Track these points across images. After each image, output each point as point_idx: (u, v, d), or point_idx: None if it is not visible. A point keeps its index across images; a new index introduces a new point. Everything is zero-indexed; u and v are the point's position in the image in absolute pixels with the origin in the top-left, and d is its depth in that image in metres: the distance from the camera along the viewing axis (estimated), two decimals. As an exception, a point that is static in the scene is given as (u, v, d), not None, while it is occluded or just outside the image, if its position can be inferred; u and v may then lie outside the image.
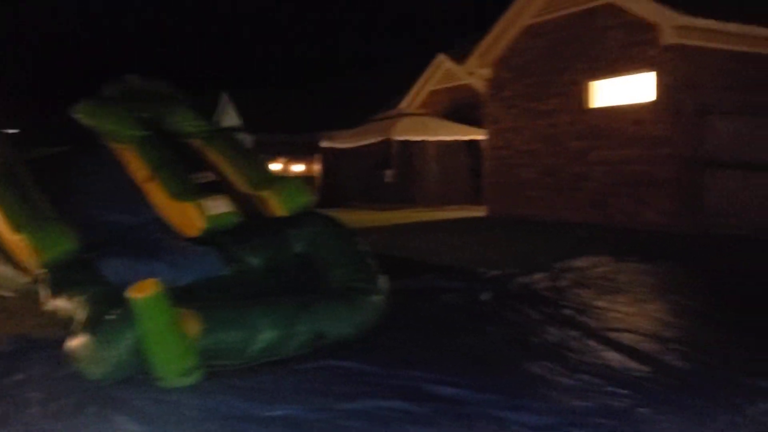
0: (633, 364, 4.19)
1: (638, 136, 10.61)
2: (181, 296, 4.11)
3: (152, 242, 5.45)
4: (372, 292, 4.91)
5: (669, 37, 9.99)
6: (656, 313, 5.53)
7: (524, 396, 3.67)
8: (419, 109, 20.86)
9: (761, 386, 3.83)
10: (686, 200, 9.93)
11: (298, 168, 24.18)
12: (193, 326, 3.80)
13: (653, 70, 10.34)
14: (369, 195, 19.00)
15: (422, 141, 18.43)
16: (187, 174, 6.02)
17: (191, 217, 5.62)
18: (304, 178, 22.72)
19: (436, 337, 4.78)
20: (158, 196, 5.76)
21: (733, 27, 10.08)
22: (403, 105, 21.75)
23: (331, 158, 20.92)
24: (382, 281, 5.10)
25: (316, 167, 22.62)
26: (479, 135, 15.78)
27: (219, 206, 5.79)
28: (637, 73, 10.68)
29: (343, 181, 20.59)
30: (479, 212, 14.25)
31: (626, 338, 4.73)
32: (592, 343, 4.64)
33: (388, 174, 18.01)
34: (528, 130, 12.72)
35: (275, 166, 24.19)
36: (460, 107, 18.84)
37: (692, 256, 8.12)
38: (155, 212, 5.73)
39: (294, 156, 24.38)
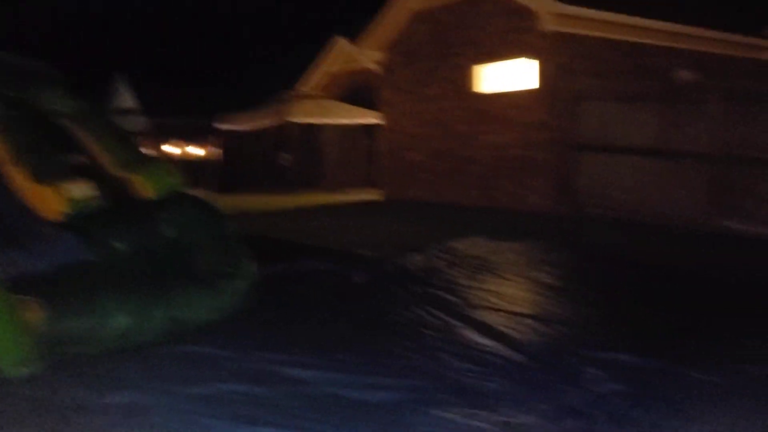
0: (488, 341, 4.36)
1: (520, 121, 10.98)
2: (30, 283, 3.95)
3: (7, 228, 5.20)
4: (237, 277, 4.87)
5: (547, 25, 10.36)
6: (519, 291, 5.78)
7: (377, 374, 3.75)
8: (318, 92, 20.76)
9: (602, 358, 4.08)
10: (562, 183, 10.39)
11: (196, 151, 23.57)
12: (34, 314, 3.66)
13: (534, 57, 10.71)
14: (268, 179, 18.76)
15: (321, 124, 18.34)
16: (54, 156, 5.77)
17: (52, 200, 5.40)
18: (204, 162, 22.22)
19: (301, 320, 4.81)
20: (19, 179, 5.49)
21: (606, 15, 10.57)
22: (302, 87, 21.57)
23: (230, 141, 20.49)
24: (249, 265, 5.07)
25: (214, 150, 22.11)
26: (378, 119, 15.88)
27: (82, 190, 5.58)
28: (518, 58, 11.03)
29: (242, 165, 20.23)
30: (377, 196, 14.37)
31: (485, 316, 4.92)
32: (452, 321, 4.80)
33: (285, 157, 17.85)
34: (418, 114, 12.91)
35: (173, 150, 23.50)
36: (360, 90, 18.86)
37: (563, 236, 8.51)
38: (15, 196, 5.46)
39: (193, 139, 23.75)
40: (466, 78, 11.94)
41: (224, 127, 20.51)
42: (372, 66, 14.27)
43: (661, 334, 4.61)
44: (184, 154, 23.71)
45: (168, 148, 23.55)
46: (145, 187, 5.72)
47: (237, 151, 20.42)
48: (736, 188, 8.44)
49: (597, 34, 10.83)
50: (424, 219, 10.62)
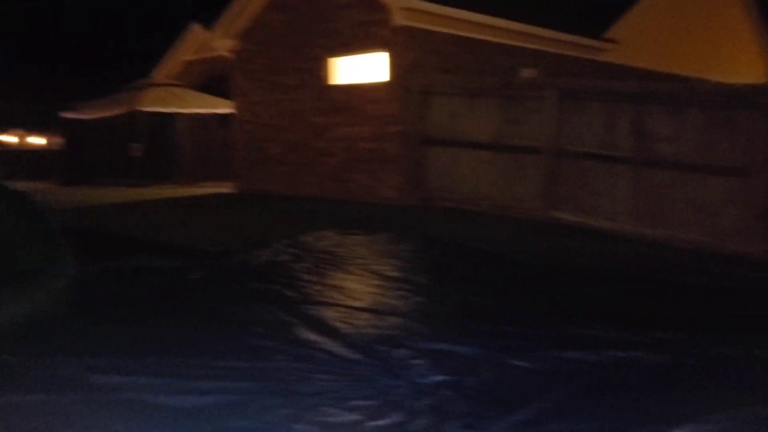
0: (320, 338, 4.29)
1: (373, 113, 11.05)
2: None
3: None
4: (51, 275, 4.49)
5: (398, 19, 10.47)
6: (360, 285, 5.77)
7: (197, 378, 3.56)
8: (173, 80, 19.91)
9: (432, 349, 4.13)
10: (411, 176, 10.57)
11: (37, 141, 21.90)
12: None
13: (385, 50, 10.79)
14: (117, 171, 17.73)
15: (173, 114, 17.57)
16: None
17: None
18: (50, 153, 20.67)
19: (123, 321, 4.51)
20: None
21: (453, 12, 10.85)
22: (157, 75, 20.60)
23: (76, 131, 19.16)
24: (68, 263, 4.69)
25: (58, 140, 20.62)
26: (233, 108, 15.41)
27: None
28: (372, 52, 11.08)
29: (90, 156, 18.98)
30: (232, 189, 13.94)
31: (322, 312, 4.85)
32: (287, 318, 4.69)
33: (135, 148, 16.95)
34: (274, 105, 12.66)
35: (10, 139, 21.69)
36: (217, 79, 18.24)
37: (410, 228, 8.63)
38: None
39: (36, 128, 22.02)
40: (321, 69, 11.83)
41: (70, 115, 19.18)
42: (226, 54, 13.80)
43: (494, 322, 4.74)
44: (23, 144, 21.97)
45: (4, 138, 21.73)
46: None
47: (85, 142, 19.14)
48: (568, 181, 8.93)
49: (445, 30, 11.09)
50: (277, 212, 10.43)
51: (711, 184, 7.69)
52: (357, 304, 5.09)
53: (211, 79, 18.86)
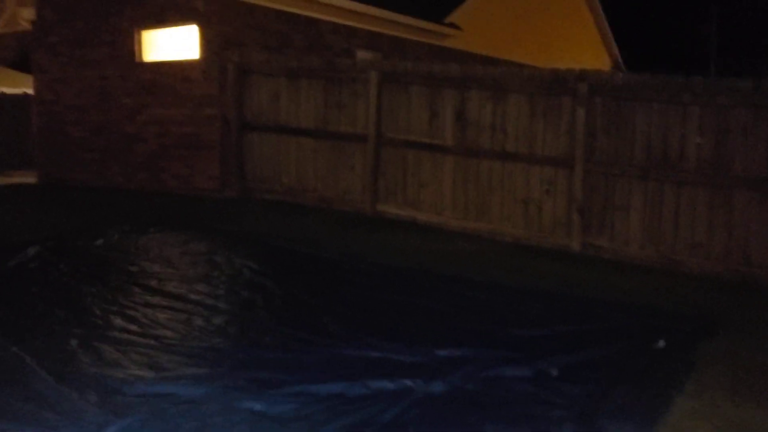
0: None
1: (187, 95, 9.85)
2: None
3: None
4: None
5: (212, -11, 9.35)
6: (106, 303, 4.69)
7: None
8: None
9: (146, 392, 3.19)
10: (230, 165, 9.51)
11: None
12: None
13: (198, 24, 9.62)
14: None
15: (22, 95, 15.34)
16: None
17: None
18: None
19: None
20: None
21: (276, -15, 9.89)
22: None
23: None
24: None
25: None
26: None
27: None
28: (184, 25, 9.87)
29: None
30: (33, 179, 12.19)
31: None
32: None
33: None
34: (78, 82, 11.09)
35: None
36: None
37: (212, 224, 7.60)
38: None
39: None
40: (130, 43, 10.43)
41: None
42: (25, 25, 12.01)
43: (254, 347, 3.87)
44: None
45: None
46: None
47: None
48: (394, 172, 8.25)
49: (269, 4, 10.07)
50: (68, 207, 9.01)
51: (534, 176, 7.25)
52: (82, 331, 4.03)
53: (25, 55, 16.70)
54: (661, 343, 4.04)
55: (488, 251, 6.88)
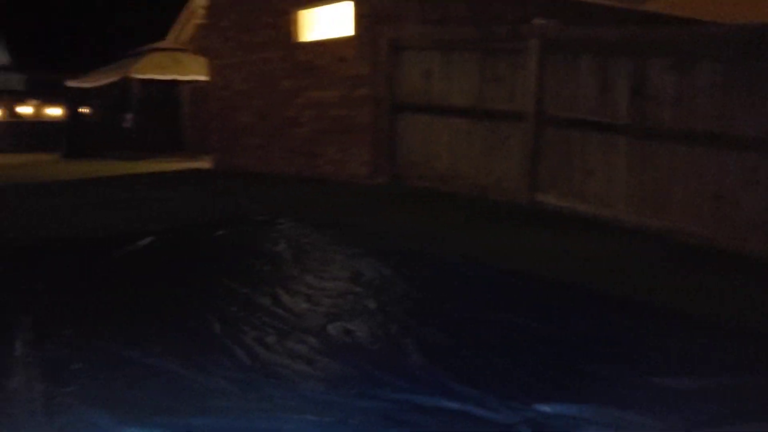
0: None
1: (341, 75, 9.36)
2: None
3: None
4: None
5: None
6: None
7: None
8: (186, 46, 18.64)
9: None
10: (381, 149, 8.85)
11: (54, 111, 21.16)
12: None
13: (351, -1, 9.07)
14: (113, 143, 16.72)
15: (171, 81, 16.35)
16: None
17: None
18: (60, 124, 19.92)
19: None
20: None
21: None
22: (169, 40, 19.37)
23: (78, 101, 18.27)
24: None
25: (65, 111, 19.85)
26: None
27: None
28: (338, 1, 9.35)
29: (89, 127, 18.09)
30: (208, 164, 12.58)
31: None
32: None
33: (128, 118, 15.82)
34: (244, 67, 11.13)
35: (25, 110, 21.08)
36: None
37: (356, 219, 6.96)
38: None
39: (51, 99, 21.30)
40: (288, 23, 10.19)
41: (73, 84, 18.27)
42: (201, 11, 12.34)
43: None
44: (40, 115, 21.34)
45: (20, 109, 21.16)
46: None
47: (85, 112, 18.26)
48: (555, 156, 7.04)
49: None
50: (226, 194, 8.94)
51: (729, 162, 5.69)
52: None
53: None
54: None
55: (662, 256, 5.48)
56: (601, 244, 5.85)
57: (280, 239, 5.71)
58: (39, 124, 21.29)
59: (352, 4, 9.03)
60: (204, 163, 12.83)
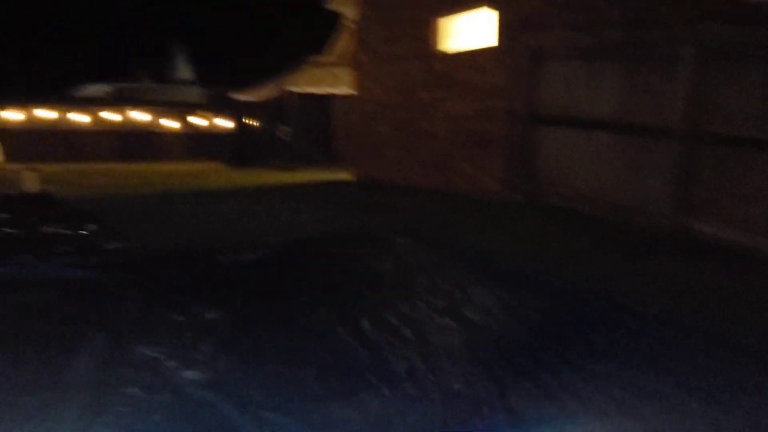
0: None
1: (477, 86, 8.88)
2: None
3: None
4: None
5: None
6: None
7: None
8: (340, 59, 19.06)
9: None
10: (516, 164, 8.24)
11: (224, 123, 22.48)
12: None
13: (493, 6, 8.54)
14: (271, 153, 17.41)
15: (325, 94, 16.71)
16: None
17: None
18: (226, 135, 21.18)
19: None
20: None
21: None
22: (325, 54, 19.88)
23: (241, 112, 19.25)
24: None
25: (230, 123, 21.00)
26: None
27: None
28: (480, 8, 8.89)
29: (251, 138, 19.01)
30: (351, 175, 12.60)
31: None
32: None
33: (284, 130, 16.34)
34: (386, 78, 10.97)
35: (200, 121, 22.58)
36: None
37: (485, 242, 6.47)
38: None
39: (222, 111, 22.66)
40: (429, 34, 9.89)
41: (238, 97, 19.30)
42: (350, 25, 12.41)
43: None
44: (211, 125, 22.77)
45: (192, 119, 22.70)
46: None
47: (247, 124, 19.19)
48: (711, 177, 6.08)
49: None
50: (355, 207, 8.78)
51: None
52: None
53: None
54: None
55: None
56: (759, 288, 4.89)
57: (389, 259, 5.37)
58: (209, 135, 22.78)
59: (495, 12, 8.53)
60: (347, 175, 12.88)
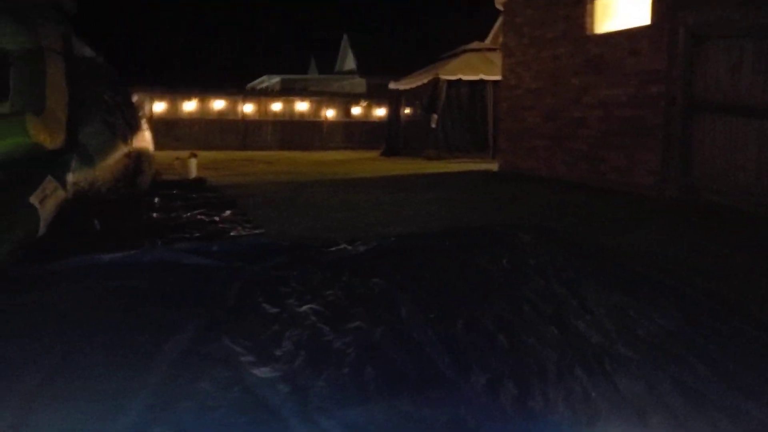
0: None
1: (632, 70, 8.11)
2: None
3: None
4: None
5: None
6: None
7: None
8: (497, 45, 18.54)
9: None
10: (672, 156, 7.42)
11: (382, 112, 22.79)
12: None
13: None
14: (422, 142, 17.35)
15: (479, 81, 16.31)
16: None
17: None
18: (383, 124, 21.46)
19: None
20: None
21: None
22: (488, 39, 19.42)
23: (396, 102, 19.36)
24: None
25: (385, 113, 21.21)
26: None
27: None
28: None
29: (403, 127, 19.07)
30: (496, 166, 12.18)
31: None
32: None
33: (434, 118, 16.19)
34: (535, 64, 10.40)
35: (359, 111, 23.04)
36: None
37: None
38: None
39: (379, 100, 22.99)
40: (583, 14, 9.21)
41: (393, 86, 19.43)
42: (499, 7, 11.93)
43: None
44: (368, 115, 23.18)
45: (352, 109, 23.23)
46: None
47: (401, 113, 19.25)
48: None
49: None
50: (491, 199, 8.44)
51: None
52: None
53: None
54: None
55: None
56: None
57: (504, 257, 5.02)
58: (367, 124, 23.20)
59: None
60: (495, 165, 12.49)
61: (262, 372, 2.91)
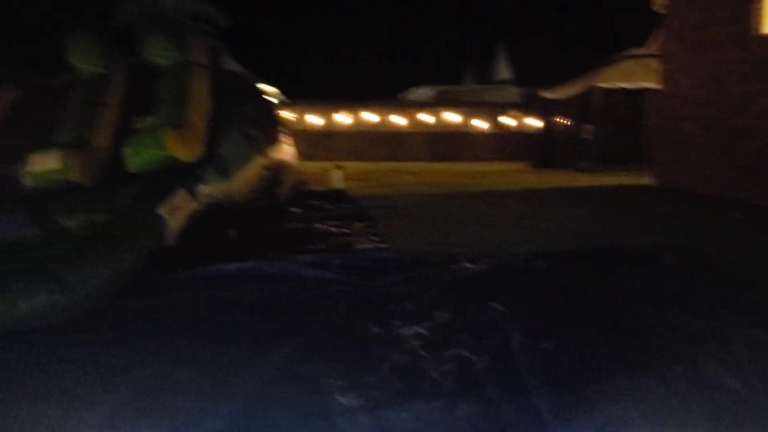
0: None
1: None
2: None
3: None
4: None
5: None
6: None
7: None
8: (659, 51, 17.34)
9: None
10: None
11: (533, 122, 22.14)
12: None
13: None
14: (575, 153, 16.60)
15: (638, 89, 15.33)
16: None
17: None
18: (534, 135, 20.80)
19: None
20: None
21: None
22: (651, 43, 18.21)
23: (547, 111, 18.71)
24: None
25: (537, 123, 20.52)
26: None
27: (43, 162, 5.42)
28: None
29: (556, 137, 18.38)
30: (649, 180, 11.32)
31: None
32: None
33: (587, 129, 15.41)
34: (695, 70, 9.51)
35: (510, 121, 22.48)
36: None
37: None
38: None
39: (532, 110, 22.38)
40: (751, 14, 8.30)
41: (545, 95, 18.80)
42: (660, 10, 11.08)
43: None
44: (520, 125, 22.52)
45: (503, 119, 22.71)
46: (128, 160, 5.36)
47: (553, 122, 18.55)
48: None
49: None
50: (640, 216, 7.81)
51: None
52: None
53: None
54: None
55: None
56: None
57: (637, 282, 4.55)
58: (518, 135, 22.61)
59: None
60: (650, 179, 11.63)
61: (347, 399, 2.80)
